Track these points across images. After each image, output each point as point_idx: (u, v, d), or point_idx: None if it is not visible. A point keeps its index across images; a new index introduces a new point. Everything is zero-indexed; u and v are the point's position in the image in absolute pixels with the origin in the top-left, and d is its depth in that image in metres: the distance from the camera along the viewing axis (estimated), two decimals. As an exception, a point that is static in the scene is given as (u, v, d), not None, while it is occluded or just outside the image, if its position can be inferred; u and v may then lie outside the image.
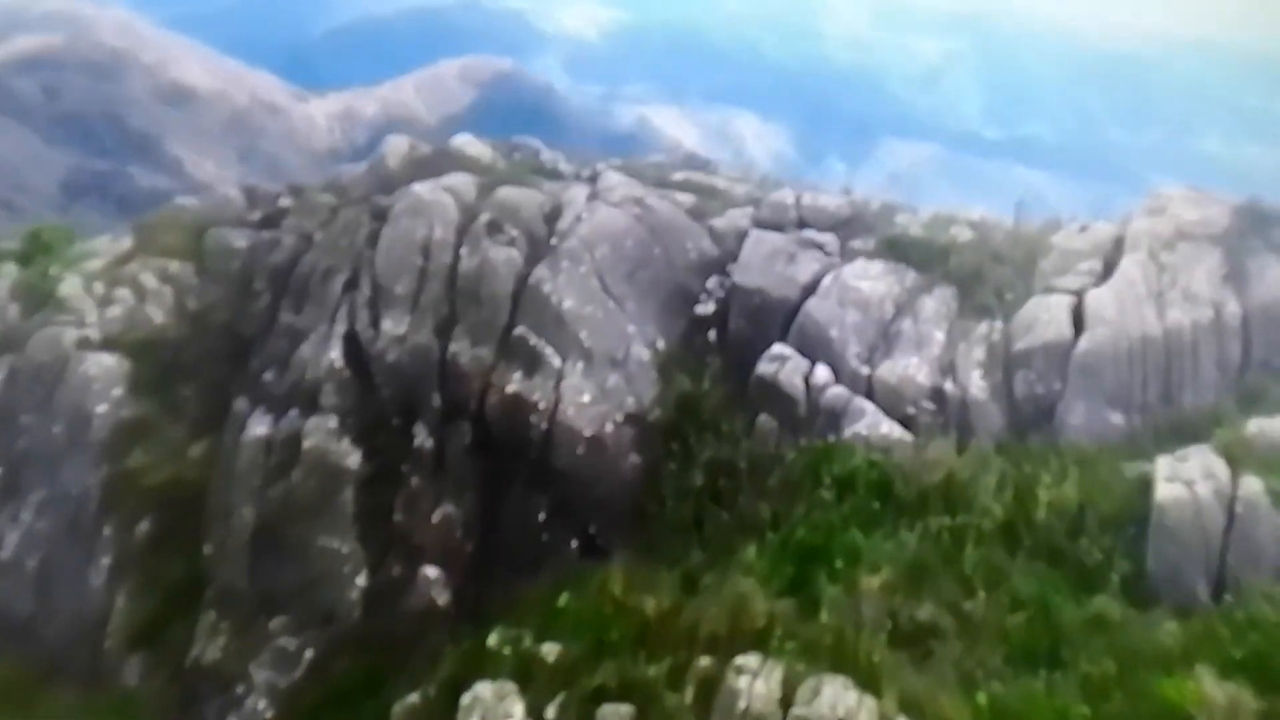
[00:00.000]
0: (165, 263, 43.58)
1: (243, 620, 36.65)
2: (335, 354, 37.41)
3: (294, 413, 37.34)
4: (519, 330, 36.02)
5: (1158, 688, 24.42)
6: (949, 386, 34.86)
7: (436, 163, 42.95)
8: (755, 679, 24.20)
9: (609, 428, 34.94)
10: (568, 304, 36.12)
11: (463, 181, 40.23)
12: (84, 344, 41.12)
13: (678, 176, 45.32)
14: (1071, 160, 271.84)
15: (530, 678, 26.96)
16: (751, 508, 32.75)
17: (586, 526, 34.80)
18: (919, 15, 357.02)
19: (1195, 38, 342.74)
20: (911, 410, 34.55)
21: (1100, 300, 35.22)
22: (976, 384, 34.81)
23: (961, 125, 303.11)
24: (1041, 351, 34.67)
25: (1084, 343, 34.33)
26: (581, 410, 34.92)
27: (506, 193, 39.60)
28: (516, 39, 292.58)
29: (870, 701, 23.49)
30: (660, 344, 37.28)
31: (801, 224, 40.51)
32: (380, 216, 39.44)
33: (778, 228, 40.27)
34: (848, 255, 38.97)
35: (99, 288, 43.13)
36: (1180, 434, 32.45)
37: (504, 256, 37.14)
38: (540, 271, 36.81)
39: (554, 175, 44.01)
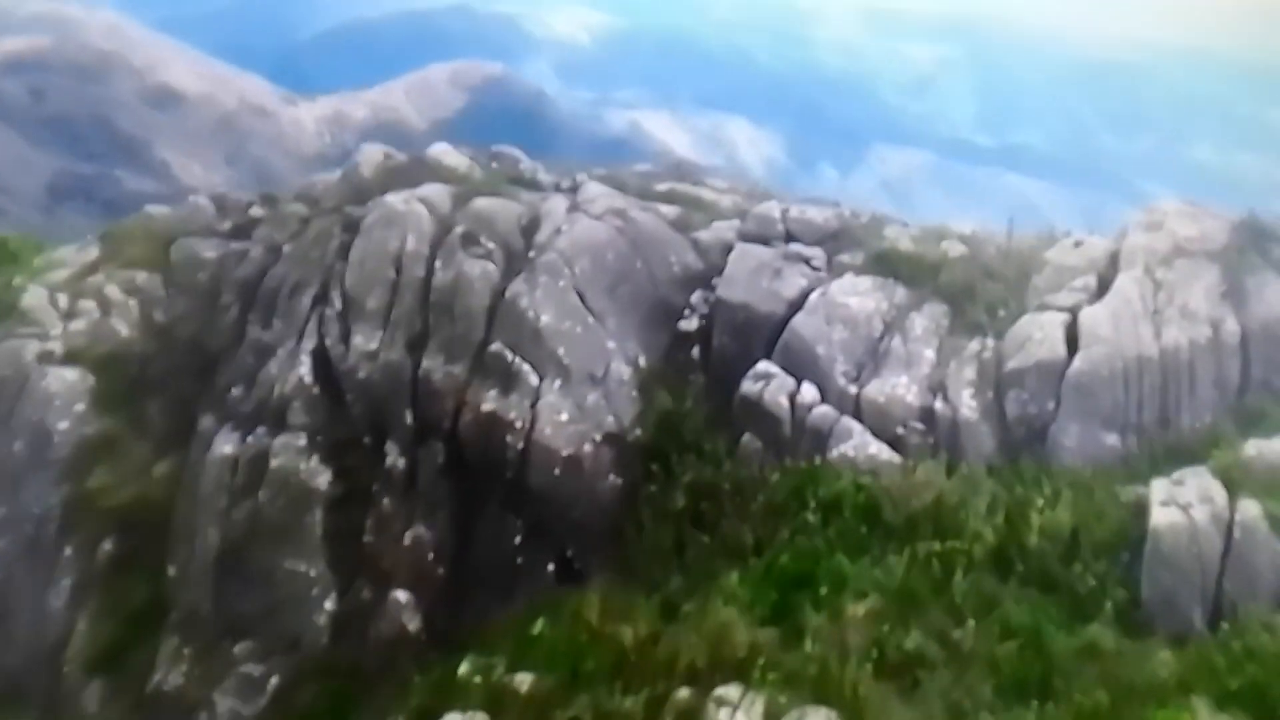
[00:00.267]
0: (132, 274, 42.86)
1: (206, 646, 36.03)
2: (304, 370, 36.85)
3: (261, 431, 36.73)
4: (494, 346, 35.46)
5: (1152, 720, 23.95)
6: (939, 406, 34.22)
7: (411, 172, 42.43)
8: (736, 712, 23.84)
9: (587, 448, 34.27)
10: (545, 319, 35.56)
11: (437, 192, 39.62)
12: (46, 358, 40.37)
13: (661, 187, 44.75)
14: (1063, 167, 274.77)
15: (502, 709, 26.47)
16: (734, 532, 32.19)
17: (563, 550, 34.23)
18: (910, 21, 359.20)
19: (1187, 46, 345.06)
20: (900, 431, 33.98)
21: (1095, 318, 34.58)
22: (967, 404, 34.21)
23: (953, 132, 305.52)
24: (1034, 371, 33.98)
25: (1078, 362, 33.54)
26: (559, 429, 34.27)
27: (483, 203, 39.05)
28: (507, 43, 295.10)
29: (856, 734, 22.67)
30: (641, 361, 36.70)
31: (788, 237, 39.96)
32: (352, 228, 38.90)
33: (764, 241, 39.68)
34: (835, 270, 38.45)
35: (63, 299, 42.41)
36: (1177, 456, 31.91)
37: (479, 270, 36.57)
38: (517, 285, 36.27)
39: (533, 185, 43.29)
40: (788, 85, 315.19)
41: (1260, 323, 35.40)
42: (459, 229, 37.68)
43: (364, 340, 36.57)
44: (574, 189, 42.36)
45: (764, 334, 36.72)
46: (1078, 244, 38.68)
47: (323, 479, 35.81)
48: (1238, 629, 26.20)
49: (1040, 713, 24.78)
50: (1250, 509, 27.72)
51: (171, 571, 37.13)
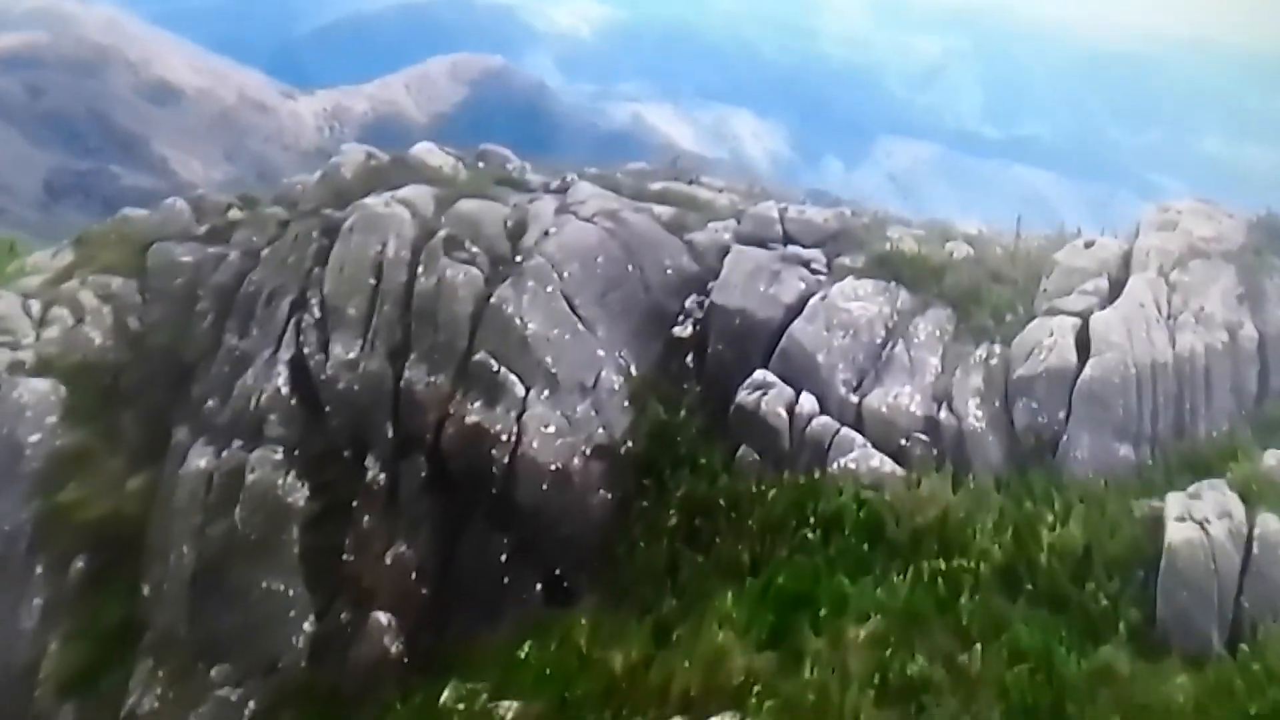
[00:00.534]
0: (107, 280, 41.76)
1: (182, 668, 34.95)
2: (281, 381, 35.89)
3: (237, 444, 35.77)
4: (479, 356, 34.58)
5: (1168, 745, 23.01)
6: (944, 416, 33.34)
7: (393, 173, 41.37)
8: (732, 741, 22.31)
9: (576, 461, 33.33)
10: (532, 327, 34.67)
11: (420, 194, 38.60)
12: (17, 368, 39.32)
13: (655, 187, 43.70)
14: (1071, 160, 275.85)
15: (487, 738, 25.24)
16: (729, 550, 31.27)
17: (551, 569, 33.32)
18: (917, 13, 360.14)
19: (1196, 38, 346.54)
20: (903, 442, 33.06)
21: (1107, 323, 33.61)
22: (973, 414, 33.29)
23: (960, 124, 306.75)
24: (1044, 378, 33.02)
25: (1089, 369, 32.70)
26: (546, 442, 33.29)
27: (467, 206, 38.11)
28: (508, 36, 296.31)
29: (856, 764, 21.70)
30: (633, 369, 35.70)
31: (787, 239, 39.10)
32: (331, 231, 37.86)
33: (761, 243, 38.78)
34: (836, 273, 37.54)
35: (35, 307, 41.30)
36: (1193, 468, 31.19)
37: (463, 275, 35.63)
38: (503, 291, 35.33)
39: (521, 186, 42.24)
40: (792, 77, 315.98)
41: (1279, 327, 34.55)
42: (442, 233, 36.71)
43: (343, 349, 35.57)
44: (564, 190, 41.37)
45: (761, 341, 35.74)
46: (1088, 244, 37.68)
47: (300, 495, 34.81)
48: (1258, 650, 25.62)
49: (1051, 740, 23.76)
50: (1270, 523, 27.10)
51: (146, 590, 36.11)
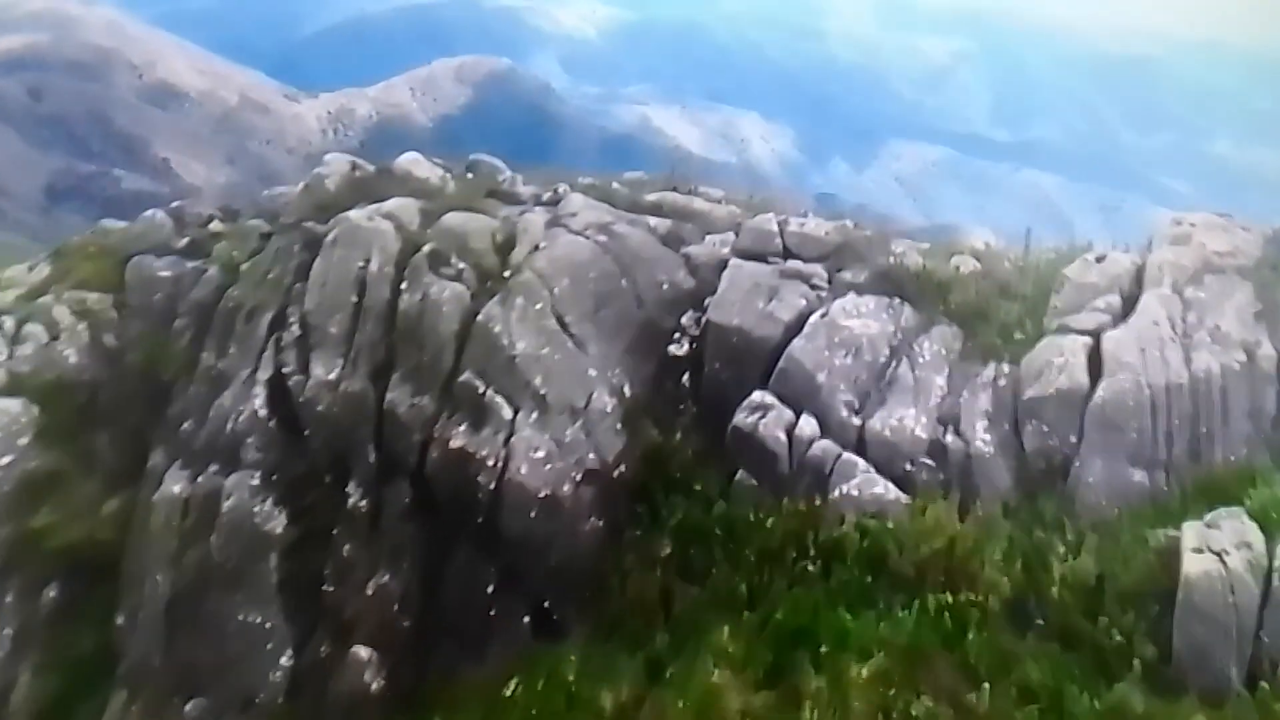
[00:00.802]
0: (83, 295, 40.88)
1: (156, 701, 34.16)
2: (259, 402, 34.99)
3: (213, 468, 34.87)
4: (465, 376, 33.53)
5: (1184, 789, 22.25)
6: (950, 440, 32.48)
7: (378, 185, 40.41)
8: (726, 786, 21.51)
9: (566, 487, 32.27)
10: (521, 346, 33.62)
11: (405, 207, 37.62)
12: (-12, 387, 38.18)
13: (651, 197, 42.73)
14: (1080, 162, 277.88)
15: (470, 779, 24.38)
16: (725, 582, 30.33)
17: (539, 600, 32.34)
18: (925, 15, 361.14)
19: (1205, 40, 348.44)
20: (908, 467, 32.19)
21: (1119, 342, 32.80)
22: (981, 437, 32.45)
23: (968, 127, 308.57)
24: (1054, 400, 32.19)
25: (1102, 391, 31.91)
26: (535, 467, 32.23)
27: (454, 219, 37.05)
28: (513, 38, 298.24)
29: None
30: (626, 390, 34.73)
31: (787, 253, 38.07)
32: (313, 246, 36.91)
33: (760, 257, 37.78)
34: (837, 289, 36.56)
35: (9, 323, 40.24)
36: (1210, 495, 30.21)
37: (449, 292, 34.61)
38: (490, 309, 34.25)
39: (511, 198, 41.19)
40: (800, 80, 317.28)
41: (1298, 346, 33.30)
42: (427, 247, 35.70)
43: (324, 369, 34.64)
44: (555, 202, 40.26)
45: (760, 360, 34.77)
46: (1099, 259, 36.67)
47: (279, 522, 33.89)
48: (1278, 689, 24.85)
49: (1063, 784, 22.90)
50: (1291, 555, 25.77)
51: (120, 620, 35.34)
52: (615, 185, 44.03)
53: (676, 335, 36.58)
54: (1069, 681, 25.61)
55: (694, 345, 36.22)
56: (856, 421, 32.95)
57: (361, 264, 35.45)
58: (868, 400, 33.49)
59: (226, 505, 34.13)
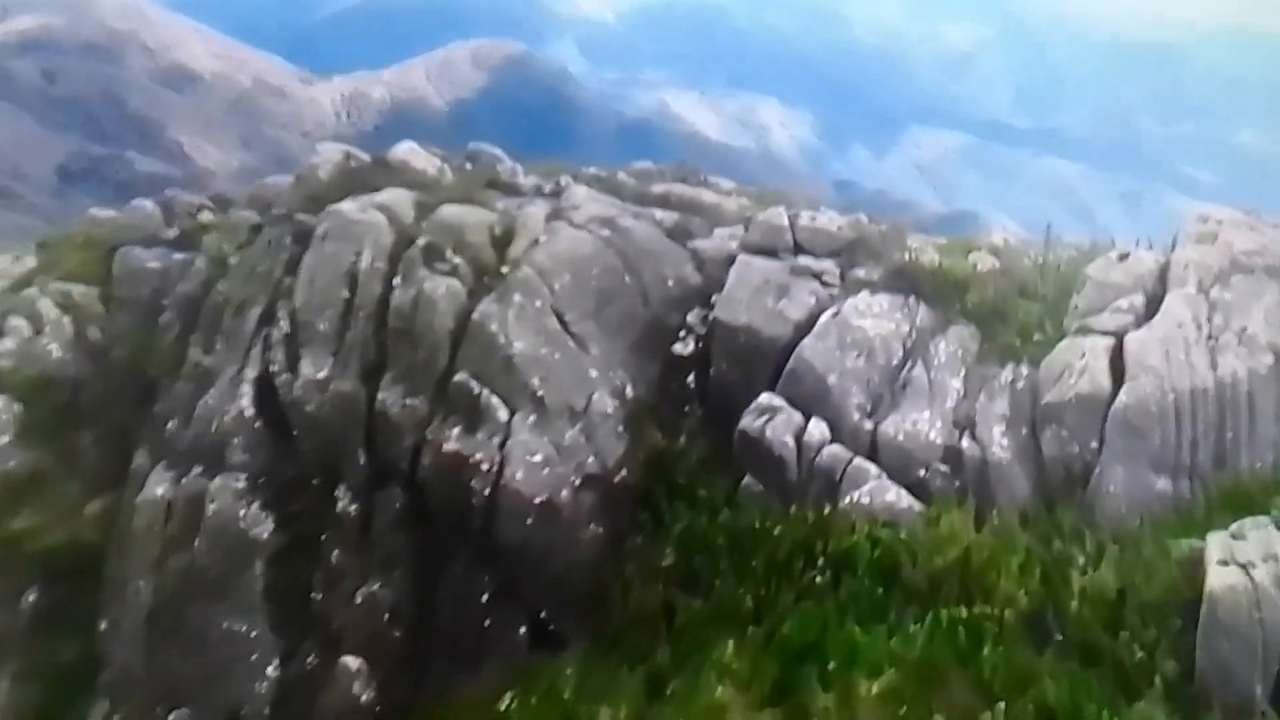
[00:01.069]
0: (69, 288, 40.28)
1: (139, 712, 33.68)
2: (245, 402, 34.43)
3: (198, 470, 34.31)
4: (460, 376, 32.90)
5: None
6: (966, 445, 31.80)
7: (373, 175, 39.47)
8: (730, 809, 21.29)
9: (565, 493, 31.65)
10: (518, 345, 32.92)
11: (400, 199, 36.85)
12: (-32, 383, 37.65)
13: (659, 189, 42.03)
14: (1102, 151, 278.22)
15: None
16: (730, 594, 29.61)
17: (536, 611, 31.83)
18: (948, 1, 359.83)
19: (1230, 26, 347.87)
20: (922, 474, 31.56)
21: (1143, 344, 31.97)
22: (998, 442, 31.79)
23: (990, 114, 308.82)
24: (1074, 405, 31.40)
25: (1124, 395, 31.06)
26: (532, 472, 31.61)
27: (450, 212, 36.22)
28: (530, 21, 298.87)
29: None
30: (629, 391, 34.07)
31: (798, 248, 37.28)
32: (304, 238, 36.26)
33: (770, 253, 37.01)
34: (850, 287, 35.80)
35: (-9, 316, 39.51)
36: (1235, 503, 29.54)
37: (444, 288, 33.90)
38: (487, 306, 33.59)
39: (511, 190, 40.42)
40: (821, 65, 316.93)
41: (1327, 349, 32.69)
42: (422, 241, 34.96)
43: (313, 368, 34.01)
44: (557, 193, 39.54)
45: (768, 361, 34.14)
46: (1122, 257, 35.95)
47: (265, 527, 33.32)
48: None
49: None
50: (1320, 568, 25.23)
51: (103, 626, 34.79)
52: (622, 176, 43.30)
53: (682, 334, 35.92)
54: (1088, 699, 25.10)
55: (700, 344, 35.58)
56: (868, 426, 32.34)
57: (353, 258, 34.82)
58: (880, 403, 32.88)
59: (211, 509, 33.59)
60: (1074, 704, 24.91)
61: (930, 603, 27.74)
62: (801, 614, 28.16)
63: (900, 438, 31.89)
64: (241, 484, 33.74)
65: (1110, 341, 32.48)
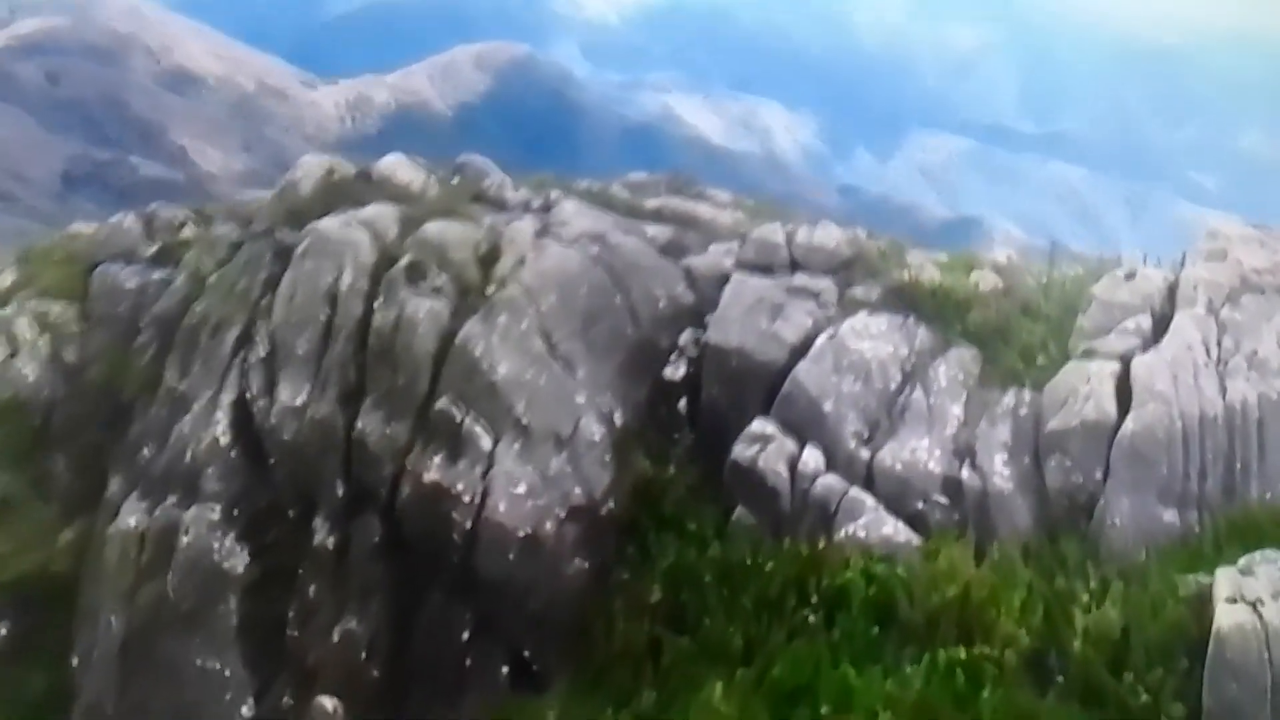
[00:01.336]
0: (46, 306, 39.13)
1: (109, 748, 32.64)
2: (220, 428, 33.42)
3: (171, 500, 33.27)
4: (441, 402, 31.73)
5: None
6: (966, 475, 30.54)
7: (357, 189, 38.25)
8: None
9: (548, 525, 30.49)
10: (503, 369, 31.79)
11: (383, 214, 35.69)
12: (-61, 407, 36.70)
13: (652, 203, 40.59)
14: (1106, 155, 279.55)
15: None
16: (719, 632, 28.62)
17: (518, 649, 30.78)
18: (952, 3, 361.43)
19: (1234, 29, 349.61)
20: (920, 505, 30.35)
21: (1150, 369, 30.84)
22: (999, 472, 30.54)
23: (995, 118, 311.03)
24: (1079, 433, 30.18)
25: (1130, 423, 29.90)
26: (515, 504, 30.45)
27: (435, 228, 35.02)
28: (534, 24, 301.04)
29: None
30: (617, 417, 32.91)
31: (794, 265, 36.13)
32: (284, 256, 35.29)
33: (765, 270, 35.88)
34: (847, 307, 34.66)
35: (-35, 336, 38.43)
36: (1244, 535, 28.50)
37: (426, 309, 32.80)
38: (470, 328, 32.46)
39: (499, 204, 39.04)
40: (825, 68, 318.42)
41: (1342, 373, 31.63)
42: (404, 259, 33.83)
43: (290, 393, 32.94)
44: (546, 208, 38.27)
45: (761, 385, 32.89)
46: (1129, 276, 34.99)
47: (239, 559, 32.36)
48: None
49: None
50: (1332, 605, 24.35)
51: (75, 659, 33.77)
52: (615, 189, 41.93)
53: (673, 356, 34.69)
54: (1091, 743, 23.94)
55: (692, 367, 34.39)
56: (865, 454, 31.14)
57: (333, 277, 33.75)
58: (877, 430, 31.69)
59: (184, 540, 32.59)
60: (1077, 748, 23.69)
61: (927, 643, 26.77)
62: (793, 654, 27.21)
63: (898, 467, 30.66)
64: (216, 514, 32.73)
65: (1116, 366, 31.37)
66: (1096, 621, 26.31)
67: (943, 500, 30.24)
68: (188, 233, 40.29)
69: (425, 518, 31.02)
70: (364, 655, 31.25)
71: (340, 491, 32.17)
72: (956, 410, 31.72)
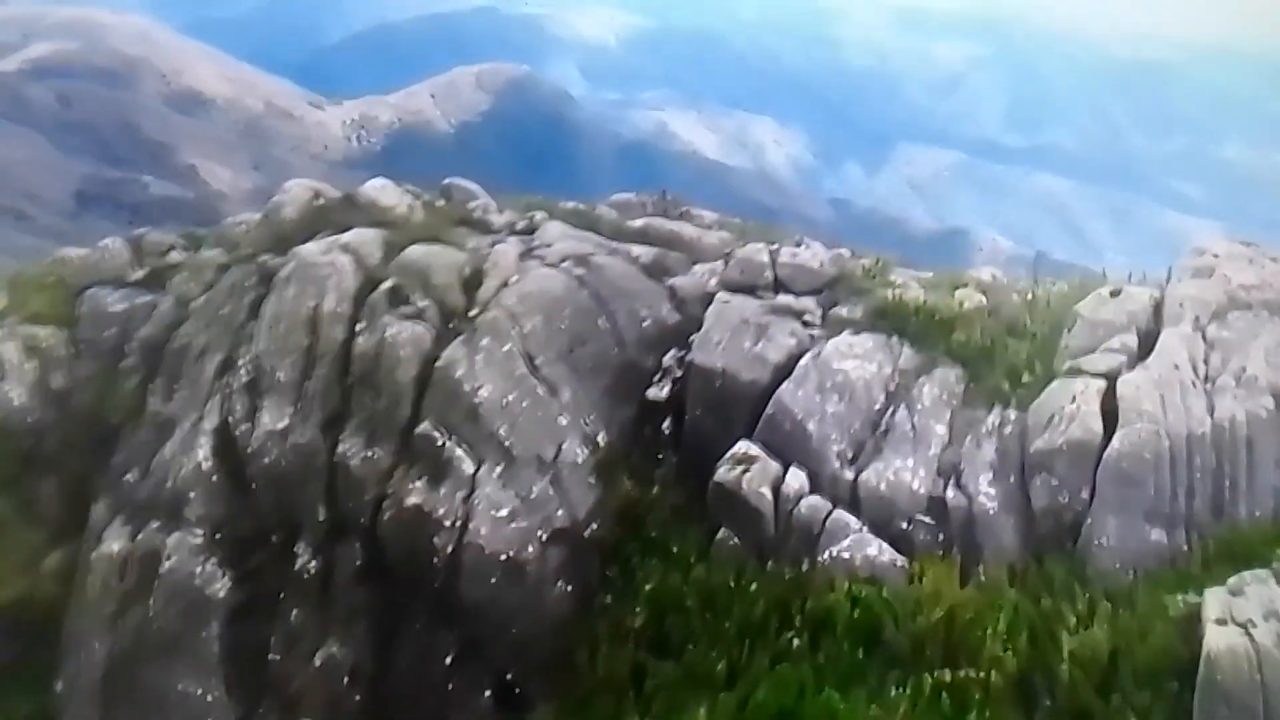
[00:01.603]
0: (35, 330, 38.32)
1: (93, 776, 32.06)
2: (203, 454, 32.69)
3: (154, 525, 32.56)
4: (423, 427, 31.10)
5: None
6: (951, 495, 29.93)
7: (341, 214, 37.57)
8: None
9: (531, 549, 29.80)
10: (485, 392, 31.12)
11: (366, 239, 35.03)
12: (-74, 431, 36.15)
13: (638, 223, 39.84)
14: (1092, 167, 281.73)
15: None
16: (703, 657, 27.93)
17: (502, 674, 30.13)
18: (939, 20, 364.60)
19: (1217, 43, 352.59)
20: (905, 526, 29.77)
21: (1136, 387, 30.06)
22: (985, 492, 29.88)
23: (981, 131, 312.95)
24: (1065, 452, 29.37)
25: (1117, 442, 29.06)
26: (498, 528, 29.78)
27: (417, 252, 34.47)
28: (532, 45, 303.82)
29: None
30: (601, 438, 32.24)
31: (778, 285, 35.64)
32: (268, 281, 34.66)
33: (750, 290, 35.38)
34: (831, 326, 34.15)
35: (-46, 360, 37.82)
36: (1234, 555, 27.72)
37: (409, 333, 32.13)
38: (453, 352, 31.81)
39: (483, 227, 38.34)
40: (815, 85, 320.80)
41: (1331, 391, 31.01)
42: (387, 284, 33.24)
43: (273, 418, 32.20)
44: (531, 231, 37.72)
45: (746, 406, 32.15)
46: (1114, 293, 34.29)
47: (222, 585, 31.58)
48: None
49: None
50: (1324, 626, 23.77)
51: (59, 685, 33.12)
52: (601, 209, 41.15)
53: (657, 377, 34.03)
54: (1080, 769, 24.05)
55: (676, 387, 33.67)
56: (849, 474, 30.49)
57: (315, 302, 33.10)
58: (862, 451, 31.01)
59: (166, 566, 31.89)
60: (1065, 774, 23.21)
61: (913, 666, 26.19)
62: (777, 678, 26.54)
63: (882, 487, 30.02)
64: (199, 539, 32.02)
65: (1102, 384, 30.64)
66: (1084, 644, 25.62)
67: (928, 521, 29.64)
68: (175, 257, 39.58)
69: (407, 542, 30.41)
70: (346, 681, 30.66)
71: (322, 516, 31.52)
72: (941, 430, 31.10)
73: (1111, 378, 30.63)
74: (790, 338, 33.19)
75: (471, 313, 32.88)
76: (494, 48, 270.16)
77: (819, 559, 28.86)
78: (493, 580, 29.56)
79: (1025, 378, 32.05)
